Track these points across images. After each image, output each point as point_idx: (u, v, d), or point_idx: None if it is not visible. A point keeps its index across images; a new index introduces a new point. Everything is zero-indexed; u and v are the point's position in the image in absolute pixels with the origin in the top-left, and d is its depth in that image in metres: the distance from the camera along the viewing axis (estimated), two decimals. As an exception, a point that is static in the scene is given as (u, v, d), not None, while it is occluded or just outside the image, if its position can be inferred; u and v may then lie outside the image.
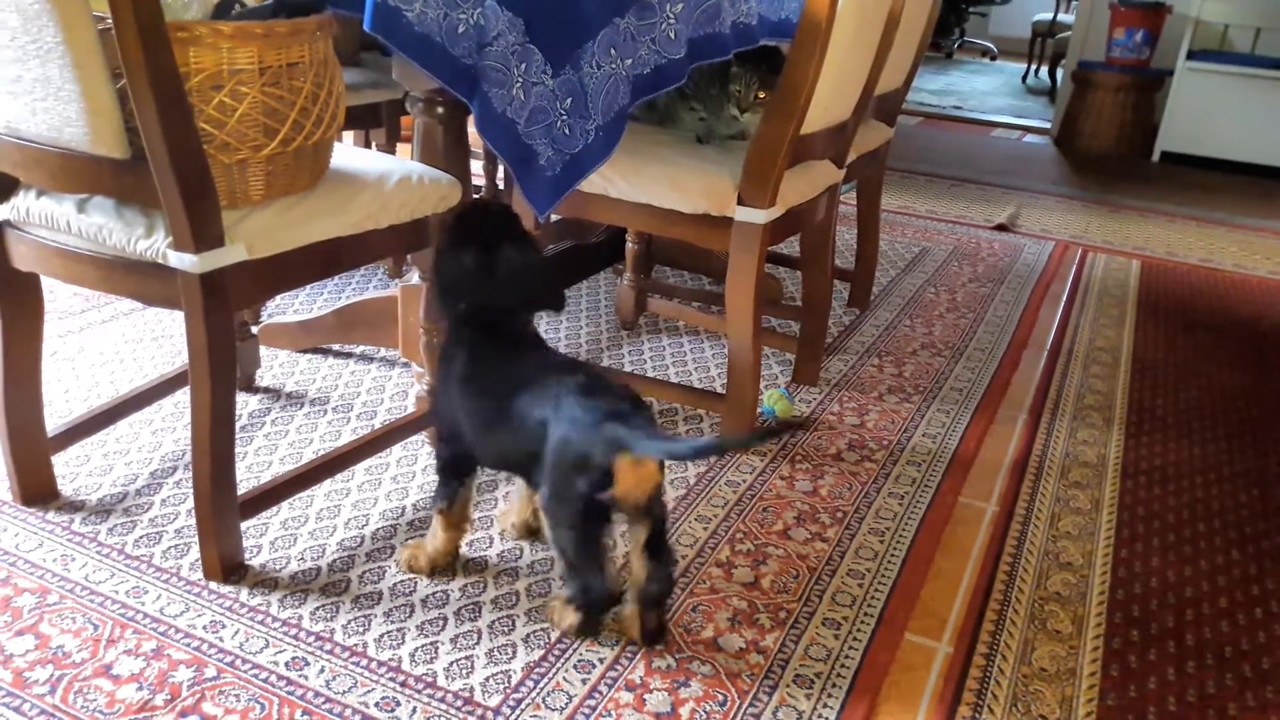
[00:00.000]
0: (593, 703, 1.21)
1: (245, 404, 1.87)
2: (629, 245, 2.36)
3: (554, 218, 2.05)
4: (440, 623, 1.33)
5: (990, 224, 3.58)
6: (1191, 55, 4.83)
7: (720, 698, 1.24)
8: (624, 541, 1.40)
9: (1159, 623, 1.45)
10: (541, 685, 1.24)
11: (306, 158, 1.33)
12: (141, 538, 1.47)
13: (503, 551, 1.49)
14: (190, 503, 1.56)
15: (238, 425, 1.75)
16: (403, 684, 1.22)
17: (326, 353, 2.12)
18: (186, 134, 1.15)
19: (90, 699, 1.17)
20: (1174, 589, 1.54)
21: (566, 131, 1.58)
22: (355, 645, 1.28)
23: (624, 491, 1.19)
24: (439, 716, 1.18)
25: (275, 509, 1.55)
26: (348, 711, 1.17)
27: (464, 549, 1.48)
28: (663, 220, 1.78)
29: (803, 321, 2.13)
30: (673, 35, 1.62)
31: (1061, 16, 7.28)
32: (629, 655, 1.30)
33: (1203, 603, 1.51)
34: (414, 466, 1.70)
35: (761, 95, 1.85)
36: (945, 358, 2.33)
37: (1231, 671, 1.37)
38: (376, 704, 1.19)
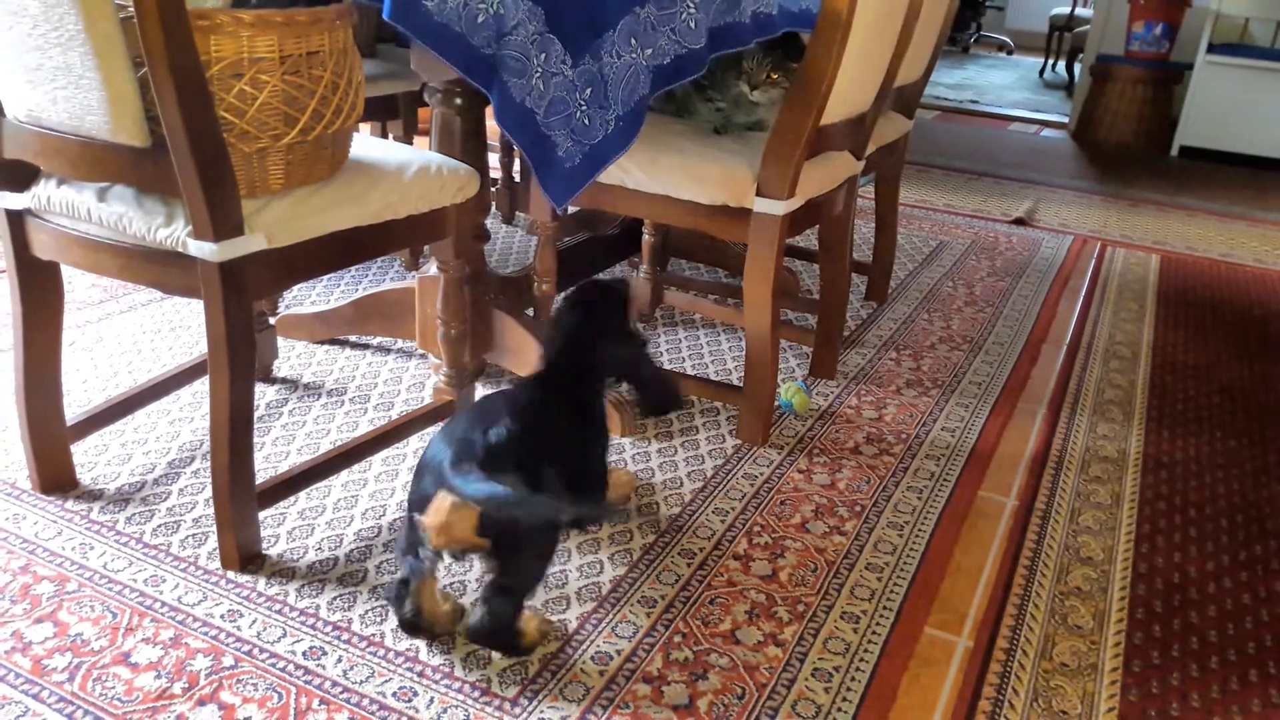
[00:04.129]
0: (610, 694, 1.21)
1: (263, 394, 1.88)
2: (645, 237, 2.36)
3: (570, 209, 2.04)
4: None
5: (1008, 218, 3.56)
6: (1212, 49, 4.79)
7: (738, 690, 1.23)
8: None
9: (1181, 618, 1.44)
10: (559, 676, 1.23)
11: (326, 147, 1.32)
12: (160, 527, 1.47)
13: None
14: (208, 492, 1.56)
15: (255, 415, 1.75)
16: (420, 674, 1.22)
17: (344, 344, 2.12)
18: (207, 122, 1.15)
19: (108, 687, 1.17)
20: (1196, 584, 1.52)
21: (586, 122, 1.57)
22: (373, 635, 1.28)
23: (428, 525, 1.15)
24: (456, 707, 1.17)
25: (293, 499, 1.55)
26: (365, 701, 1.17)
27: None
28: (680, 211, 1.77)
29: (820, 314, 2.11)
30: (693, 25, 1.61)
31: (1079, 10, 7.23)
32: (646, 647, 1.29)
33: (1225, 598, 1.50)
34: (431, 457, 1.69)
35: (774, 76, 1.83)
36: (964, 352, 2.32)
37: (1255, 667, 1.35)
38: (394, 694, 1.19)
